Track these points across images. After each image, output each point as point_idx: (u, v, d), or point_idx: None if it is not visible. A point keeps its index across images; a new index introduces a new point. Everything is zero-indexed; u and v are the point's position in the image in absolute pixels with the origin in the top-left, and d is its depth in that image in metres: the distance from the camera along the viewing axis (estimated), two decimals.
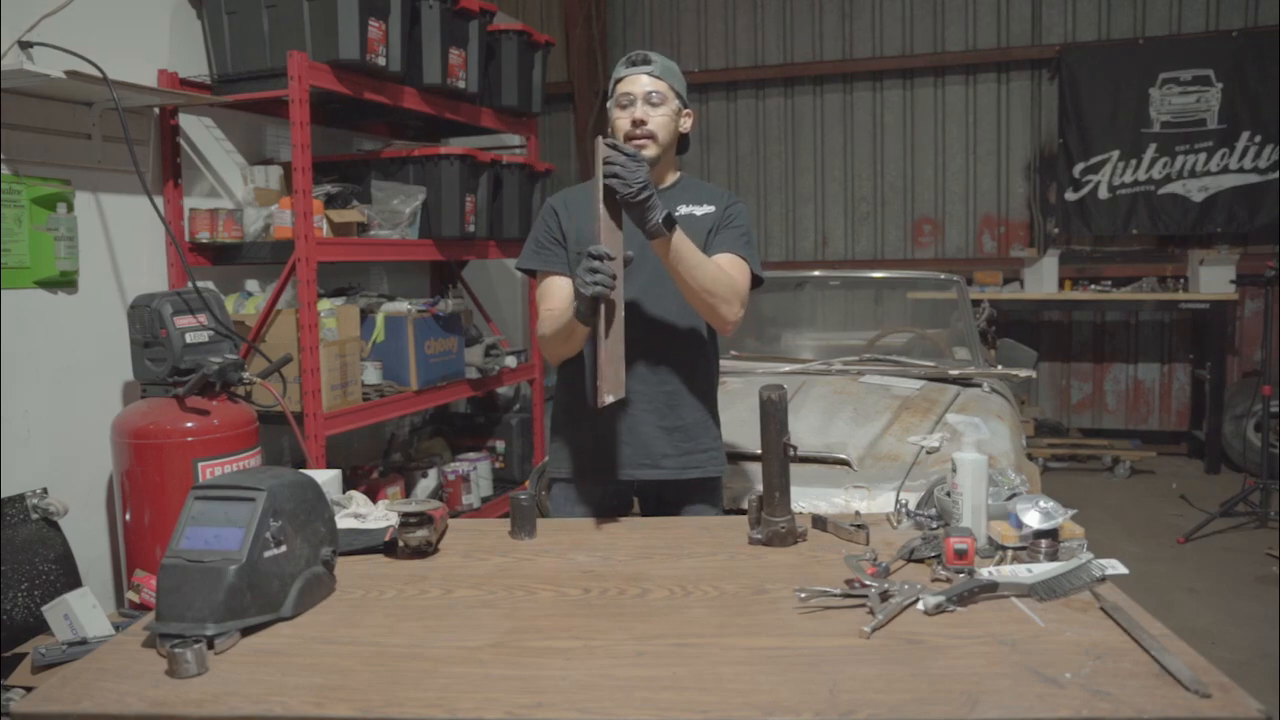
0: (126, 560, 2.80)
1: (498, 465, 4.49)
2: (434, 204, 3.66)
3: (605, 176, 1.73)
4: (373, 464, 4.05)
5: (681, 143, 2.11)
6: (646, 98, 1.99)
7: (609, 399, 1.79)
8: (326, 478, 1.98)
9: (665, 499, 2.11)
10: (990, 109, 6.69)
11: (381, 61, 3.24)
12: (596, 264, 1.73)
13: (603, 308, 1.77)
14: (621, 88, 2.02)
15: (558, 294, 2.02)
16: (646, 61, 2.02)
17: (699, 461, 2.09)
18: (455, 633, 1.36)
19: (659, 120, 2.00)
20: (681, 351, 2.06)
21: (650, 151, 1.98)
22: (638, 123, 1.98)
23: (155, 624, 1.33)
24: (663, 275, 1.97)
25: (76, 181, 2.91)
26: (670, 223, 1.80)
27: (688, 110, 2.08)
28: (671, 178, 2.11)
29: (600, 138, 1.80)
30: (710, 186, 2.15)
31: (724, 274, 1.94)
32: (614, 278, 1.74)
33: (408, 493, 3.95)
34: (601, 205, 1.76)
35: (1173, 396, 6.53)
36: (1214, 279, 5.84)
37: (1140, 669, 1.18)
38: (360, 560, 1.70)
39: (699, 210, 2.06)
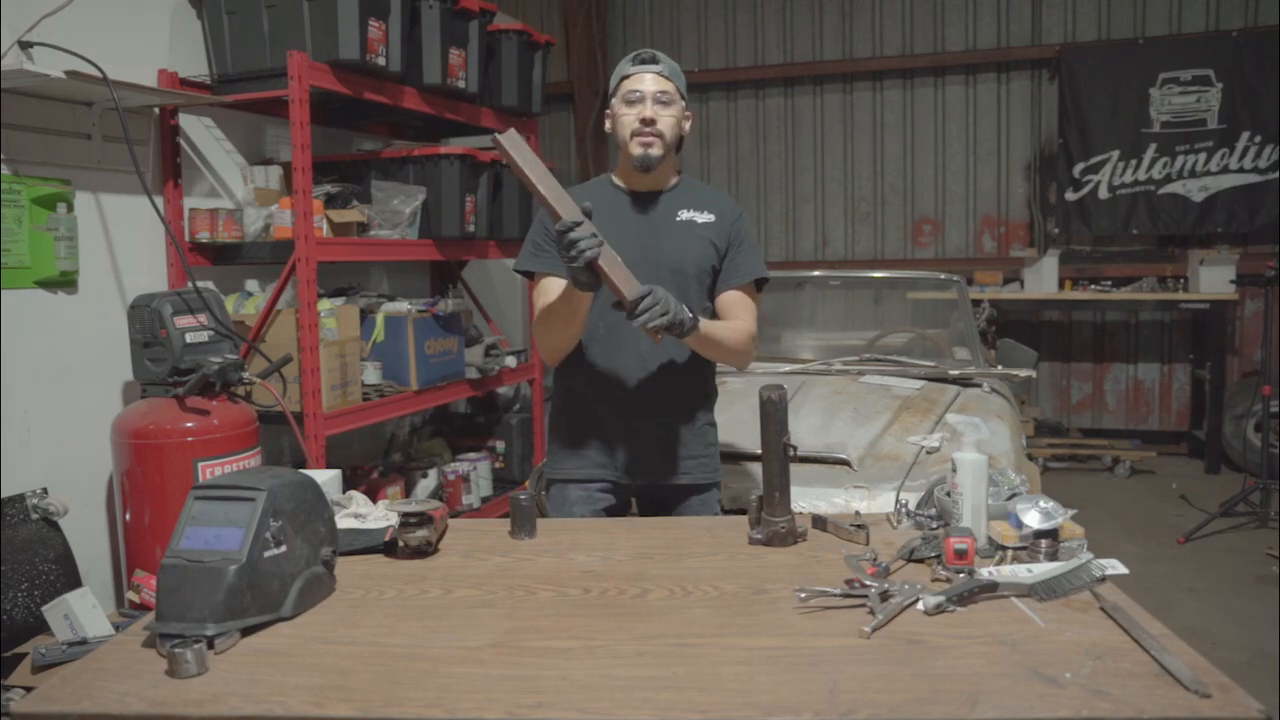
0: (126, 560, 2.80)
1: (498, 465, 4.49)
2: (434, 204, 3.66)
3: (648, 328, 1.78)
4: (373, 464, 4.05)
5: (679, 143, 2.11)
6: (656, 97, 1.99)
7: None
8: (326, 478, 1.98)
9: (661, 501, 2.12)
10: (990, 109, 6.69)
11: (381, 61, 3.24)
12: (571, 237, 1.73)
13: (604, 265, 1.77)
14: (629, 85, 2.01)
15: (555, 294, 2.02)
16: (655, 60, 2.02)
17: (689, 468, 2.10)
18: (455, 633, 1.36)
19: (667, 120, 2.00)
20: (676, 358, 2.05)
21: (656, 150, 2.00)
22: (647, 121, 1.98)
23: (155, 624, 1.33)
24: (659, 281, 1.98)
25: (76, 181, 2.91)
26: (695, 322, 1.87)
27: (688, 112, 2.09)
28: (672, 180, 2.11)
29: (497, 134, 1.84)
30: (708, 189, 2.17)
31: (742, 336, 2.03)
32: (594, 236, 1.75)
33: (408, 493, 3.95)
34: (537, 189, 1.79)
35: (1173, 396, 6.53)
36: (1214, 279, 5.83)
37: (1140, 669, 1.18)
38: (360, 560, 1.70)
39: (700, 217, 2.07)
